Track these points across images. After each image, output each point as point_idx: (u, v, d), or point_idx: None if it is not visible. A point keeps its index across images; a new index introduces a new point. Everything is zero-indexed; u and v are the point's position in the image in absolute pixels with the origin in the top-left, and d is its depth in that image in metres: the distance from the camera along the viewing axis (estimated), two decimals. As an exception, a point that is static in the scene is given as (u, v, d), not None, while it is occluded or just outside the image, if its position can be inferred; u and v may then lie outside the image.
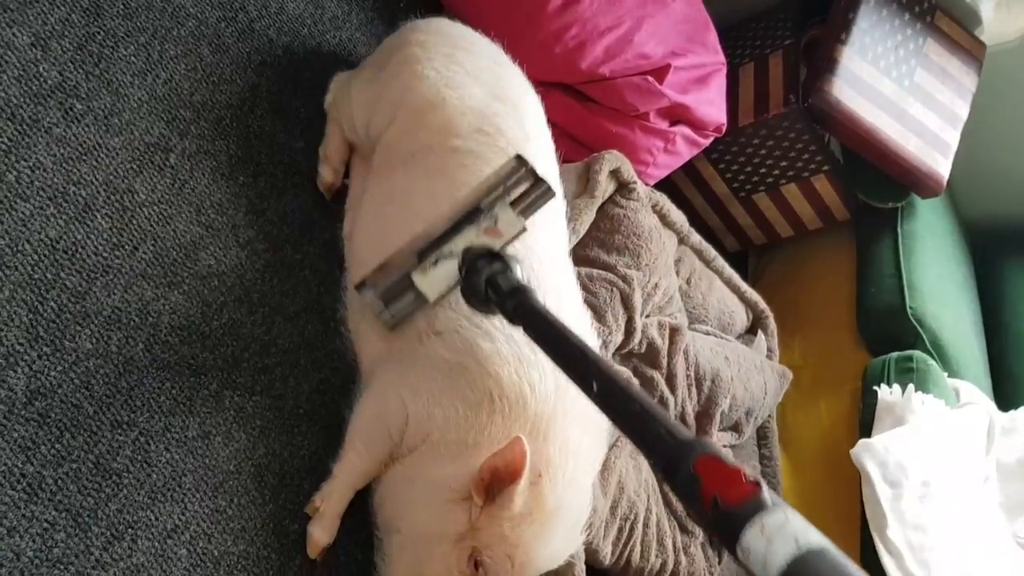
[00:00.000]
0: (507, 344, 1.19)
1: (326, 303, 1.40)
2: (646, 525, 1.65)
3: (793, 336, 2.34)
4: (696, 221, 2.49)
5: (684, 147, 1.92)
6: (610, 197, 1.75)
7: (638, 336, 1.71)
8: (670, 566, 1.66)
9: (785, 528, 0.64)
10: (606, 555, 1.55)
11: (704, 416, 1.89)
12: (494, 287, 1.05)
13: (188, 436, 1.18)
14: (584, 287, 1.64)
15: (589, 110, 1.79)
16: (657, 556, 1.65)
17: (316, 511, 1.22)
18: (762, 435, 2.13)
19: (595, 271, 1.69)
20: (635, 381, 1.72)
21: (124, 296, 1.18)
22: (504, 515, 1.09)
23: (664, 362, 1.81)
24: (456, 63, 1.35)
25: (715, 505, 0.68)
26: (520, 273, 1.08)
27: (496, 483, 1.10)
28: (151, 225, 1.24)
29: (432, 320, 1.22)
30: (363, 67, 1.49)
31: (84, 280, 1.14)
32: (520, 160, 1.17)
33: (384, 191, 1.32)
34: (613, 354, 1.70)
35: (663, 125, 1.85)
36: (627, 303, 1.67)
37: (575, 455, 1.18)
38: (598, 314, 1.63)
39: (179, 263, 1.25)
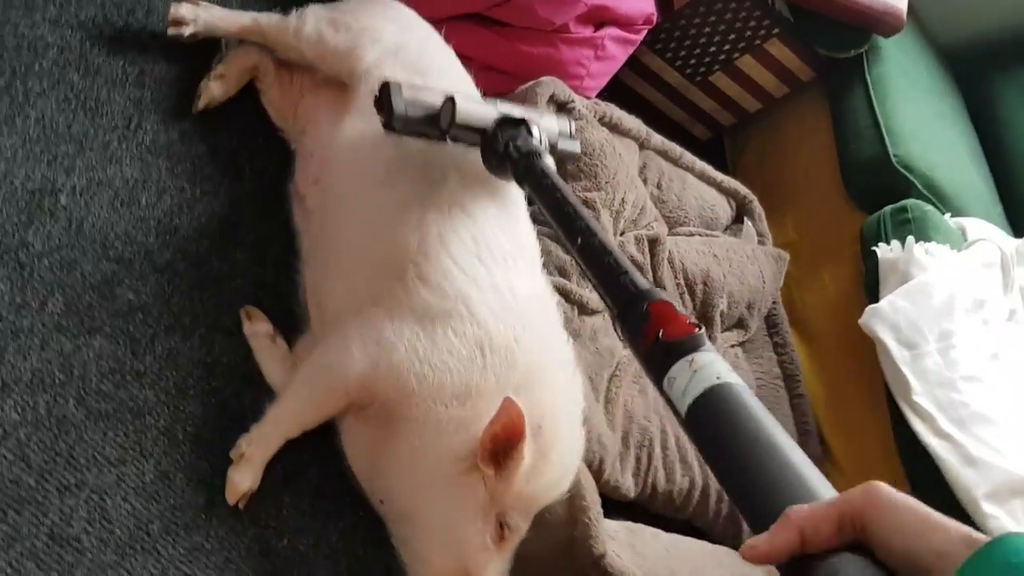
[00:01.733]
0: (493, 293, 1.15)
1: (267, 305, 1.32)
2: (664, 447, 1.58)
3: (784, 213, 2.24)
4: (659, 118, 2.37)
5: (617, 49, 1.80)
6: (551, 124, 1.64)
7: (616, 257, 1.63)
8: (699, 483, 1.59)
9: (712, 365, 0.70)
10: (629, 488, 1.49)
11: (703, 320, 1.81)
12: (514, 146, 1.15)
13: (145, 481, 1.12)
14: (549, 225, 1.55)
15: (504, 36, 1.67)
16: (683, 475, 1.59)
17: (241, 456, 1.15)
18: (771, 324, 2.04)
19: (555, 204, 1.60)
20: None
21: (41, 355, 1.11)
22: (518, 475, 1.06)
23: (649, 276, 1.73)
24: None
25: (657, 338, 0.76)
26: (541, 140, 1.17)
27: (500, 447, 1.06)
28: (55, 275, 1.17)
29: (421, 265, 1.15)
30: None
31: (-6, 350, 1.08)
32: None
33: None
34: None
35: (587, 32, 1.72)
36: (596, 228, 1.58)
37: (565, 395, 1.18)
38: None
39: (95, 306, 1.18)
